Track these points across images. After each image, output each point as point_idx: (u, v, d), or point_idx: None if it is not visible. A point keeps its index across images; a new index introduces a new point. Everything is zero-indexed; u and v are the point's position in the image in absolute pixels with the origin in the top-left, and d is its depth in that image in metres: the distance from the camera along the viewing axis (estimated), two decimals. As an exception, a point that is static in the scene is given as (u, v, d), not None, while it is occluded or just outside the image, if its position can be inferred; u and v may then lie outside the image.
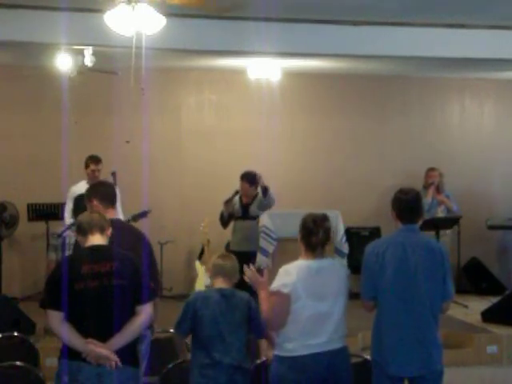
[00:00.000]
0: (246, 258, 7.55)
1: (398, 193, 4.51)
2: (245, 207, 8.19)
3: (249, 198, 8.19)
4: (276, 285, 4.23)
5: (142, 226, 8.93)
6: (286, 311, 4.20)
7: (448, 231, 9.56)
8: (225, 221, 8.29)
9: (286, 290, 4.18)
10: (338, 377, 4.23)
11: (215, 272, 4.54)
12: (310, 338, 4.18)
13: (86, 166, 7.97)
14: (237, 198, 8.18)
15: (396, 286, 4.32)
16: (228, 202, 8.14)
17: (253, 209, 8.16)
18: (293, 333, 4.20)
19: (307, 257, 4.31)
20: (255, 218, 8.17)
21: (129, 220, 7.60)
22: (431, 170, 9.68)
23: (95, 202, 4.76)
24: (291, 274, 4.22)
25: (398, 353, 4.32)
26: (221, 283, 4.50)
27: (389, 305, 4.34)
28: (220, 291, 4.46)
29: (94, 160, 7.96)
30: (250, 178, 8.09)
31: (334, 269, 4.38)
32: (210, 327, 4.35)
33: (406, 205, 4.44)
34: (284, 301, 4.19)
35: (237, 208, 8.18)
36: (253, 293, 4.48)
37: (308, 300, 4.18)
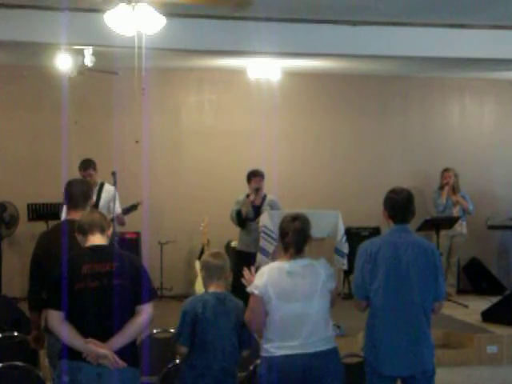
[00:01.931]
0: (251, 259, 7.57)
1: (390, 192, 4.51)
2: (256, 208, 8.14)
3: (259, 199, 8.15)
4: (250, 286, 4.23)
5: (141, 225, 9.00)
6: (260, 312, 4.18)
7: (464, 231, 9.59)
8: (242, 219, 8.06)
9: (256, 292, 4.17)
10: (318, 381, 4.14)
11: (210, 274, 4.42)
12: (286, 340, 4.14)
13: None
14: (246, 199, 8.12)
15: (388, 285, 4.32)
16: (250, 202, 8.05)
17: (263, 210, 8.11)
18: (271, 334, 4.18)
19: (283, 258, 4.29)
20: None
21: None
22: (446, 170, 9.68)
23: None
24: (263, 275, 4.21)
25: (389, 352, 4.33)
26: (215, 287, 4.41)
27: (381, 305, 4.34)
28: (215, 295, 4.38)
29: (81, 167, 7.91)
30: (260, 173, 8.14)
31: (310, 269, 4.24)
32: (206, 331, 4.27)
33: (398, 204, 4.45)
34: (256, 302, 4.18)
35: (249, 209, 8.13)
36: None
37: (279, 301, 4.14)
